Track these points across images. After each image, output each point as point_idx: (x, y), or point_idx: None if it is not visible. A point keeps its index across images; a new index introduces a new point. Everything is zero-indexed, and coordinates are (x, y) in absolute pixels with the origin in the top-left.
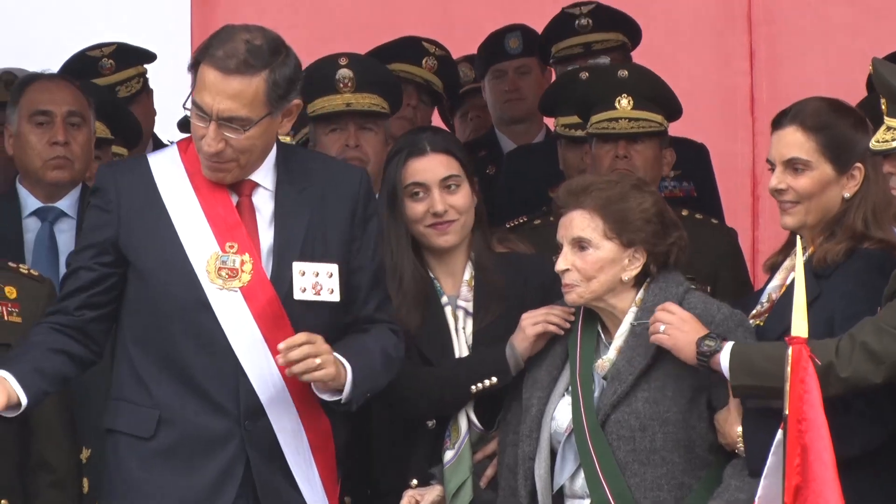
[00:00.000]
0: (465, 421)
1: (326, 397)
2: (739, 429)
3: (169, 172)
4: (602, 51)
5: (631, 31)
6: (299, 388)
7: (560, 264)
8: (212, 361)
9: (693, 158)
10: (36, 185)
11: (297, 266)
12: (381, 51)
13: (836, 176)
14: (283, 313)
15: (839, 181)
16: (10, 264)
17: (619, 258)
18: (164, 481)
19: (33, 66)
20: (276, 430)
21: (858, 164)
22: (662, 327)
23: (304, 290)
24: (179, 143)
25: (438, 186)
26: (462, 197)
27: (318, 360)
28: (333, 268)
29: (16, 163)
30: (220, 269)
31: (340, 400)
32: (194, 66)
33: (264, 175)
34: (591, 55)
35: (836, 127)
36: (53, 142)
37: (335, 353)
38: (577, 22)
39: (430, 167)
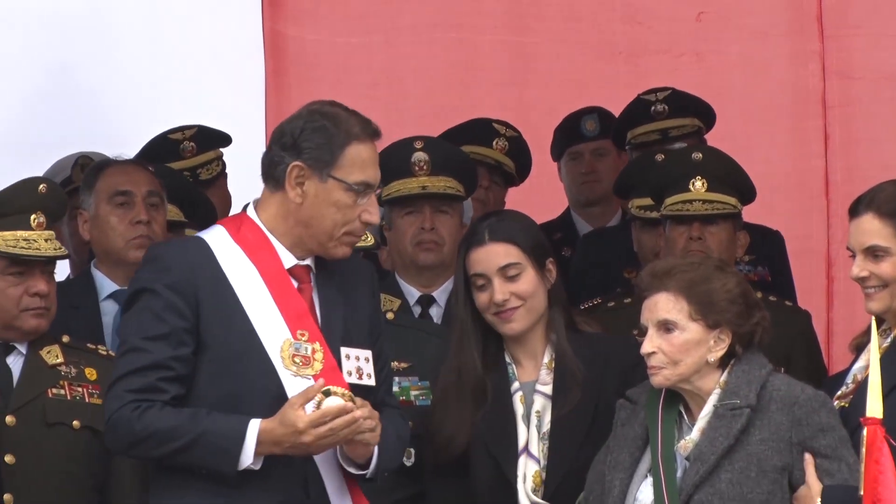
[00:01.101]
0: (526, 499)
1: (353, 470)
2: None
3: (229, 254)
4: (679, 137)
5: (706, 115)
6: (351, 479)
7: (646, 347)
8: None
9: (768, 244)
10: (115, 268)
11: (344, 350)
12: (452, 133)
13: None
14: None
15: None
16: (90, 346)
17: (704, 340)
18: None
19: (107, 152)
20: None
21: None
22: None
23: (350, 374)
24: (226, 224)
25: (497, 275)
26: (525, 283)
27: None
28: (369, 353)
29: (93, 246)
30: (293, 356)
31: (366, 475)
32: (340, 151)
33: (309, 259)
34: (668, 141)
35: None
36: (136, 221)
37: None
38: (652, 108)
39: (488, 257)
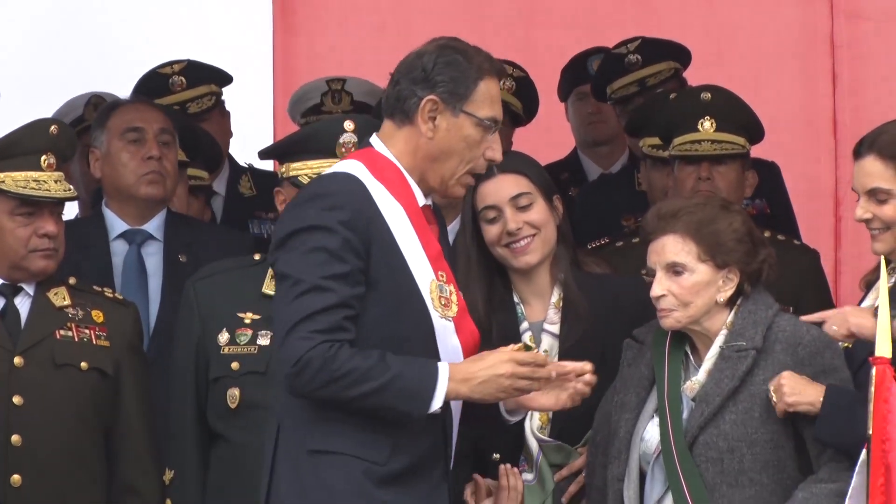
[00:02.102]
0: (534, 441)
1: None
2: (817, 394)
3: (377, 191)
4: (657, 84)
5: (680, 56)
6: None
7: (655, 290)
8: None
9: (766, 177)
10: (125, 205)
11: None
12: None
13: None
14: (479, 344)
15: None
16: (96, 288)
17: (713, 280)
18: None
19: (117, 92)
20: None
21: None
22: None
23: None
24: (360, 159)
25: (509, 205)
26: (536, 213)
27: None
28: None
29: (104, 184)
30: (440, 297)
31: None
32: (473, 85)
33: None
34: (648, 90)
35: None
36: (148, 157)
37: None
38: (626, 60)
39: (499, 188)
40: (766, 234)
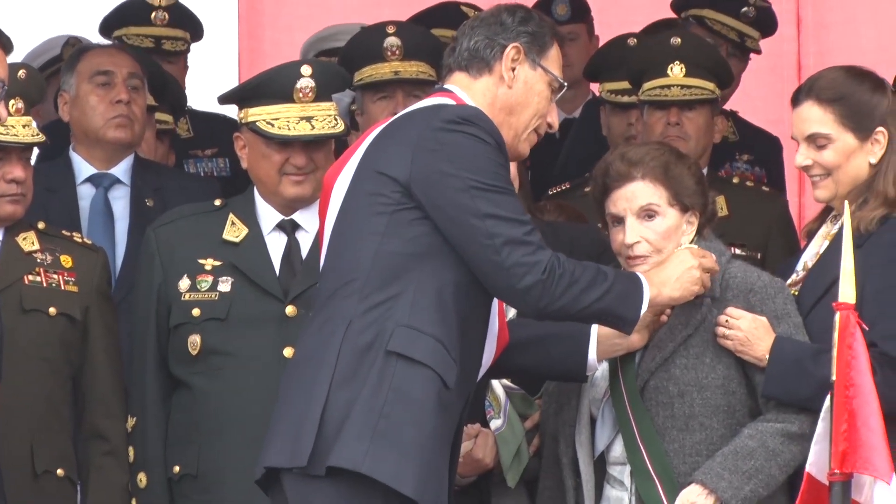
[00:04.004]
0: (500, 387)
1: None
2: (767, 345)
3: None
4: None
5: (769, 34)
6: None
7: (630, 237)
8: (481, 331)
9: (767, 149)
10: (93, 149)
11: None
12: (420, 17)
13: (859, 144)
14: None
15: (863, 148)
16: (65, 233)
17: (680, 224)
18: (445, 434)
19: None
20: None
21: (881, 129)
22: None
23: None
24: (449, 97)
25: None
26: None
27: None
28: None
29: (73, 127)
30: None
31: None
32: (550, 43)
33: None
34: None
35: (853, 95)
36: (116, 100)
37: None
38: (744, 9)
39: None
40: (735, 180)
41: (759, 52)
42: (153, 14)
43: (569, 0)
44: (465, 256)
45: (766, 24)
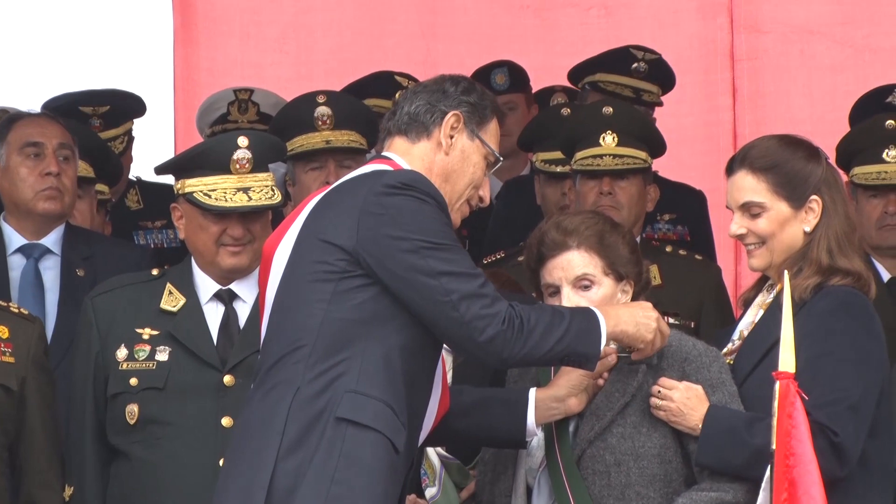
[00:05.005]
0: (435, 455)
1: None
2: (700, 414)
3: None
4: (648, 102)
5: (668, 88)
6: None
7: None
8: (426, 395)
9: (691, 204)
10: (24, 220)
11: None
12: (355, 87)
13: (793, 212)
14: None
15: (798, 216)
16: (1, 303)
17: (615, 293)
18: (393, 497)
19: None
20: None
21: (815, 197)
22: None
23: None
24: (386, 164)
25: None
26: None
27: None
28: None
29: (3, 198)
30: None
31: None
32: (490, 117)
33: None
34: (638, 103)
35: (787, 163)
36: (46, 172)
37: None
38: (634, 65)
39: None
40: (668, 248)
41: (659, 104)
42: (90, 122)
43: (507, 69)
44: (423, 317)
45: (662, 75)
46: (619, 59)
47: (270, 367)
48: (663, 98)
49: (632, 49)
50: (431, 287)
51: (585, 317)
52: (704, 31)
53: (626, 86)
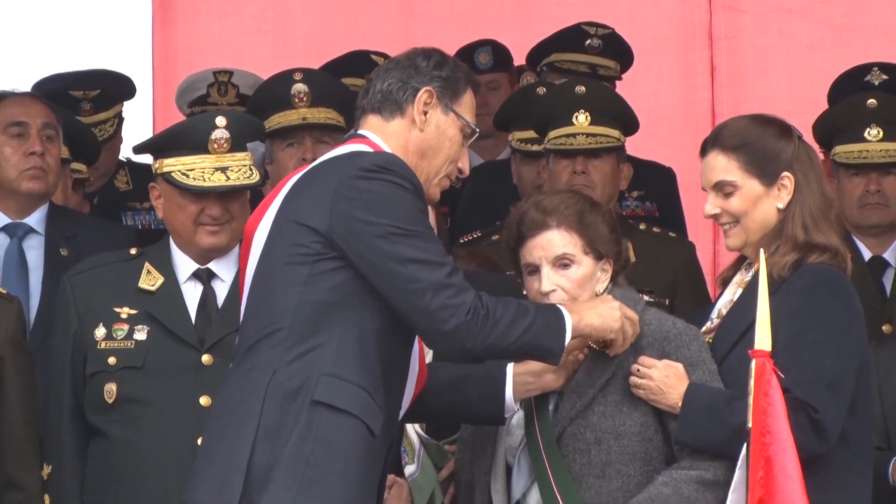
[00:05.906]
0: (414, 433)
1: None
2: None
3: None
4: (605, 77)
5: (627, 63)
6: None
7: (545, 285)
8: (402, 375)
9: (659, 181)
10: (7, 199)
11: None
12: (331, 66)
13: (765, 189)
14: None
15: (770, 193)
16: None
17: (595, 272)
18: (371, 480)
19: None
20: None
21: (787, 173)
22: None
23: None
24: (363, 144)
25: None
26: None
27: None
28: None
29: None
30: None
31: None
32: (464, 89)
33: None
34: (595, 77)
35: (758, 141)
36: (30, 152)
37: None
38: (588, 41)
39: None
40: (642, 226)
41: (619, 79)
42: (79, 105)
43: (491, 49)
44: (390, 302)
45: (617, 50)
46: (571, 37)
47: (248, 348)
48: (642, 77)
49: (583, 26)
50: (399, 274)
51: (551, 312)
52: (683, 10)
53: (581, 62)
